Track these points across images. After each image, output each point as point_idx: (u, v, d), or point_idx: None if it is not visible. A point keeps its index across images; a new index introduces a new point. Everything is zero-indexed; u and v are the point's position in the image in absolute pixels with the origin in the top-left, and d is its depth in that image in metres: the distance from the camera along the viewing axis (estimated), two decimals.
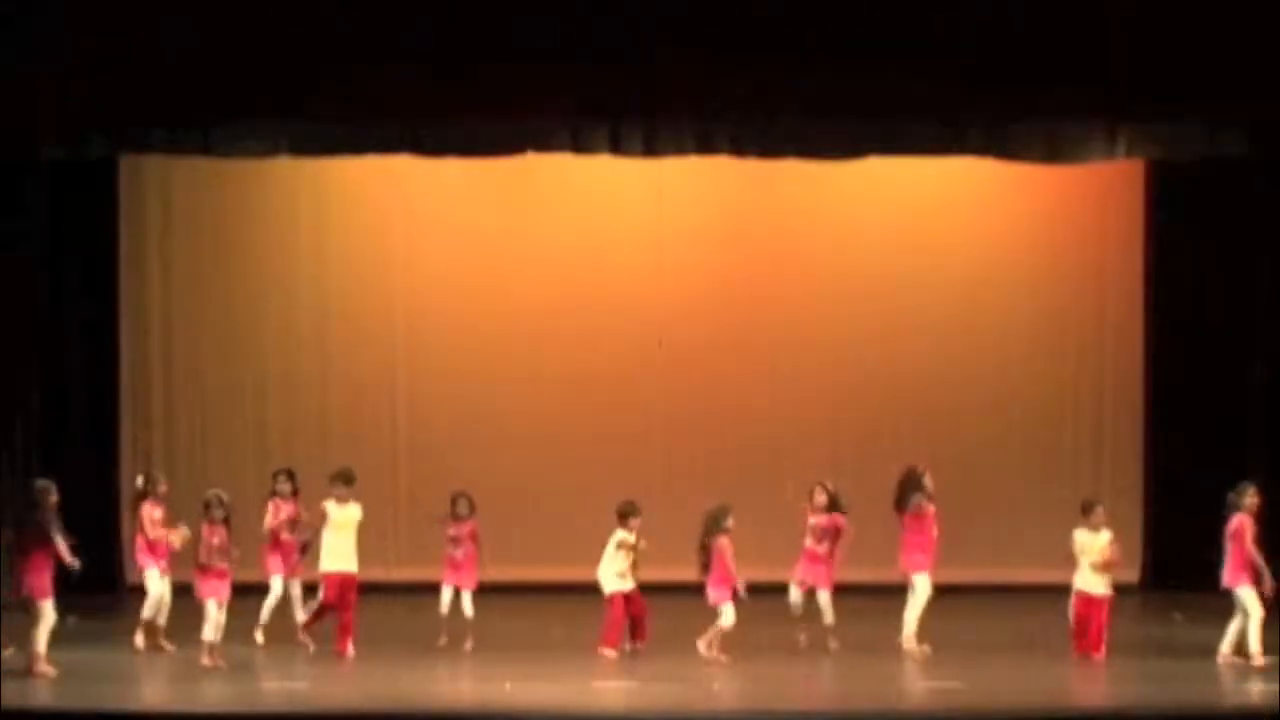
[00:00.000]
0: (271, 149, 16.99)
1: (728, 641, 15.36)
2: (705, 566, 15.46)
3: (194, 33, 15.91)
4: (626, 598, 15.75)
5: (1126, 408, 20.17)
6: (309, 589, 16.14)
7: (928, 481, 15.94)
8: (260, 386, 20.26)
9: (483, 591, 16.17)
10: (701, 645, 15.39)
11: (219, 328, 20.21)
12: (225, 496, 15.24)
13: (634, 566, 15.74)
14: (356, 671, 14.95)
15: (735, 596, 15.37)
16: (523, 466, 19.70)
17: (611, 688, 14.10)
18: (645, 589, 15.81)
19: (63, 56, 15.99)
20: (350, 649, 15.51)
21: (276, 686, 14.41)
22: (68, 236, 19.20)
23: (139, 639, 15.81)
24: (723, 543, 15.40)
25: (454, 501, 16.26)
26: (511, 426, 19.93)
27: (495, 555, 16.37)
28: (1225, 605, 15.23)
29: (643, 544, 15.68)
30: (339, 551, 15.64)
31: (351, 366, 20.25)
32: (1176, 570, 18.78)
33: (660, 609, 15.93)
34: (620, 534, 15.74)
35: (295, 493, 16.32)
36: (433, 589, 16.38)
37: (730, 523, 15.46)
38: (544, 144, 16.93)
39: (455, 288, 20.18)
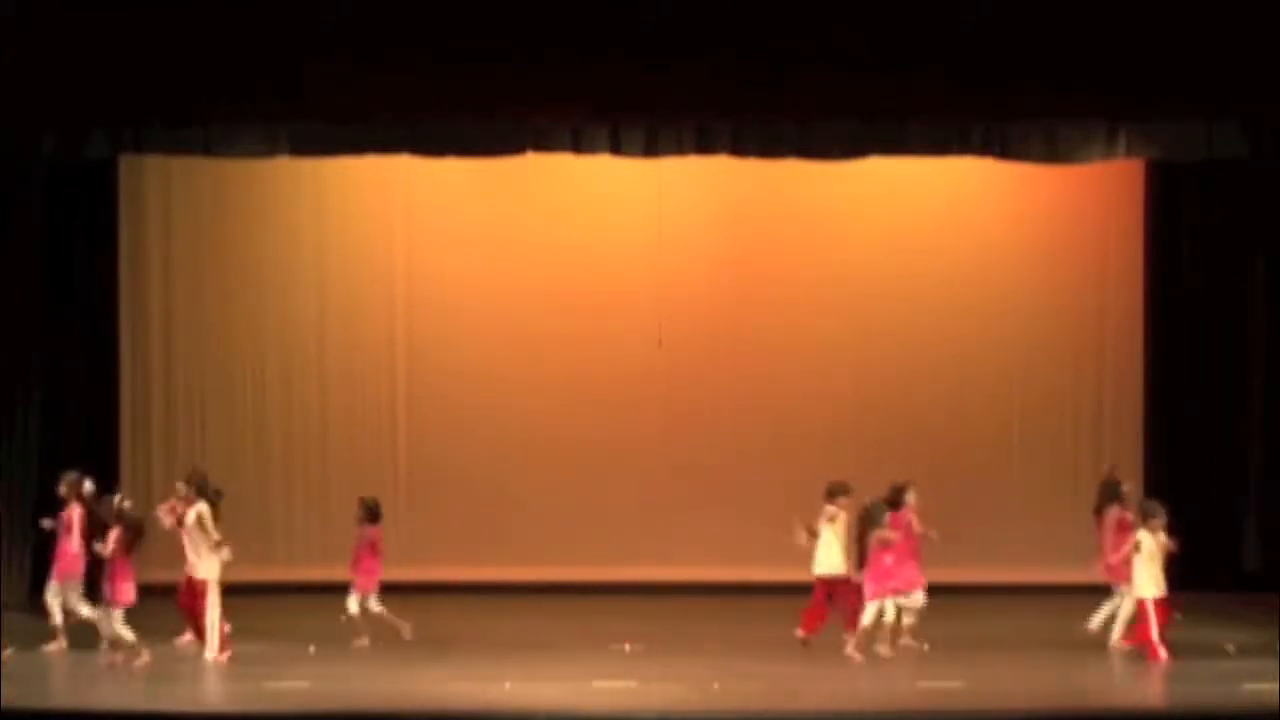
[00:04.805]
0: (271, 149, 16.98)
1: (864, 641, 15.36)
2: (861, 563, 15.38)
3: (194, 32, 15.92)
4: (828, 582, 15.58)
5: (1126, 408, 20.14)
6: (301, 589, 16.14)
7: (1126, 489, 16.08)
8: (260, 386, 20.24)
9: (483, 592, 16.16)
10: (849, 646, 15.39)
11: (219, 327, 20.20)
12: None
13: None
14: (356, 671, 14.95)
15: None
16: (522, 465, 19.69)
17: (611, 688, 14.10)
18: (645, 588, 15.82)
19: (62, 56, 16.00)
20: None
21: (277, 686, 14.41)
22: (68, 236, 19.20)
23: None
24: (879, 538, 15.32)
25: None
26: (511, 425, 19.91)
27: (495, 555, 16.39)
28: (1226, 605, 15.23)
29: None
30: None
31: (351, 365, 20.24)
32: (1176, 570, 18.76)
33: (662, 609, 15.93)
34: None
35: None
36: (432, 589, 16.39)
37: (886, 519, 15.39)
38: (544, 144, 16.93)
39: (455, 287, 20.17)
